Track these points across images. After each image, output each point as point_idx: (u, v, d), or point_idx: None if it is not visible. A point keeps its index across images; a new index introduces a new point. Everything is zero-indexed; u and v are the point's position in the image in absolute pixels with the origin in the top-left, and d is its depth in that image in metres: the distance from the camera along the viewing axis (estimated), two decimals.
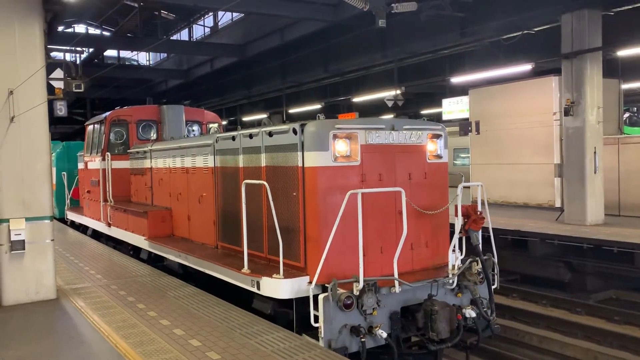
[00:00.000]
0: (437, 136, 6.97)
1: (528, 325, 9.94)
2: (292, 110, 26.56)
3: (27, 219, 7.20)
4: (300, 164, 6.19)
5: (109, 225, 11.77)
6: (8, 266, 7.12)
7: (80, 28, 32.31)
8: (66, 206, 16.12)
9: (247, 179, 6.89)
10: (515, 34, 14.20)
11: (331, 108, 26.07)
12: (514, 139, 16.30)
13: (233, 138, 7.57)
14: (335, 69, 21.19)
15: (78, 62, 25.52)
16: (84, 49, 26.76)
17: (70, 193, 16.04)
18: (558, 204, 14.98)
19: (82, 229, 14.65)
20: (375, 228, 6.24)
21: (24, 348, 5.64)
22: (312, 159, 6.08)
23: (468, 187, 7.17)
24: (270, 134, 6.73)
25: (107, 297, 7.44)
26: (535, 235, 12.09)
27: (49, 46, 8.01)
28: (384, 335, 5.77)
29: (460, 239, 6.59)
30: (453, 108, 21.09)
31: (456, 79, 17.64)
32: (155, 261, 9.68)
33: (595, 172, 13.02)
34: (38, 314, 6.86)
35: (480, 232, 6.67)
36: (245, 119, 31.34)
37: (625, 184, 14.26)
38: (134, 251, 10.80)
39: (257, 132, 7.01)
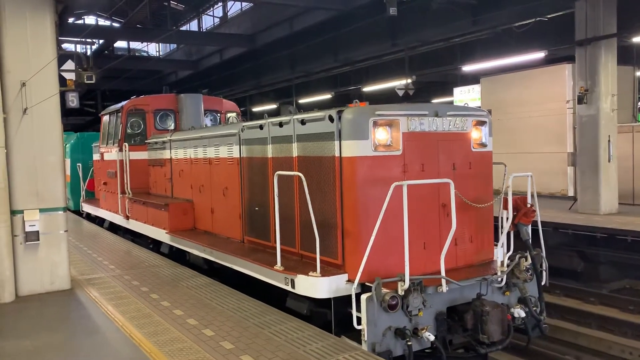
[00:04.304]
0: (482, 123, 6.50)
1: None
2: (302, 101, 26.51)
3: (41, 210, 7.26)
4: (337, 154, 5.78)
5: (127, 217, 11.57)
6: (23, 257, 7.20)
7: (90, 20, 32.38)
8: (81, 198, 15.92)
9: (277, 170, 6.46)
10: (528, 21, 14.00)
11: (341, 98, 25.99)
12: (527, 128, 16.15)
13: (261, 127, 7.18)
14: (345, 59, 21.05)
15: (89, 53, 25.60)
16: (95, 40, 26.80)
17: (86, 185, 15.85)
18: (571, 193, 14.85)
19: (98, 221, 14.50)
20: (417, 222, 5.77)
21: (40, 338, 5.71)
22: (351, 149, 5.67)
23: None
24: (302, 122, 6.28)
25: (120, 288, 7.50)
26: (548, 225, 11.99)
27: (59, 38, 8.01)
28: (432, 338, 5.41)
29: (507, 234, 6.18)
30: (464, 97, 20.90)
31: (468, 68, 17.48)
32: (176, 255, 9.44)
33: (609, 161, 12.87)
34: (53, 304, 6.93)
35: (530, 226, 6.29)
36: (255, 109, 31.34)
37: None
38: (154, 245, 10.59)
39: (288, 120, 6.57)
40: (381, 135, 5.75)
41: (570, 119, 15.08)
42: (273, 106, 29.33)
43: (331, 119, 5.82)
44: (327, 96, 24.91)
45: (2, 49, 7.01)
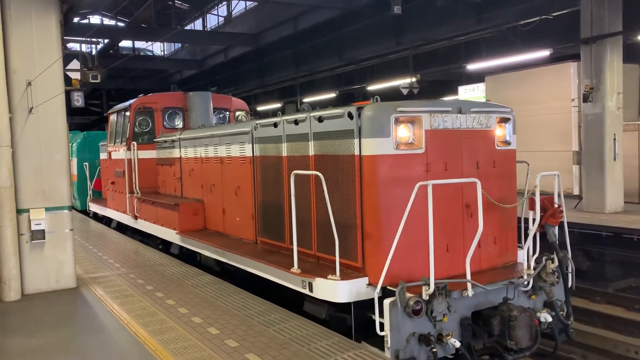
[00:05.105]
0: (506, 120, 6.30)
1: None
2: (306, 100, 26.52)
3: (47, 209, 7.30)
4: (356, 153, 5.55)
5: (136, 218, 11.43)
6: (29, 255, 7.24)
7: (95, 19, 32.49)
8: (88, 197, 15.80)
9: (292, 169, 6.23)
10: (533, 20, 13.97)
11: (345, 97, 26.01)
12: (532, 127, 16.06)
13: (275, 125, 6.96)
14: (349, 57, 21.06)
15: (94, 53, 25.70)
16: (100, 39, 26.92)
17: (92, 184, 15.68)
18: (576, 192, 14.79)
19: (105, 221, 14.40)
20: (440, 223, 5.48)
21: (46, 336, 5.74)
22: (371, 147, 5.43)
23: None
24: (320, 119, 6.06)
25: (126, 286, 7.53)
26: None
27: (65, 37, 8.04)
28: (457, 344, 5.18)
29: (534, 235, 5.92)
30: (469, 95, 20.86)
31: (472, 66, 17.43)
32: (187, 256, 9.31)
33: (614, 159, 12.81)
34: (58, 302, 6.97)
35: (557, 227, 6.06)
36: (260, 108, 31.38)
37: None
38: (163, 245, 10.46)
39: (304, 118, 6.36)
40: (403, 132, 5.51)
41: (575, 118, 15.01)
42: (277, 105, 29.36)
43: (350, 115, 5.59)
44: (331, 95, 24.92)
45: (8, 49, 7.04)
